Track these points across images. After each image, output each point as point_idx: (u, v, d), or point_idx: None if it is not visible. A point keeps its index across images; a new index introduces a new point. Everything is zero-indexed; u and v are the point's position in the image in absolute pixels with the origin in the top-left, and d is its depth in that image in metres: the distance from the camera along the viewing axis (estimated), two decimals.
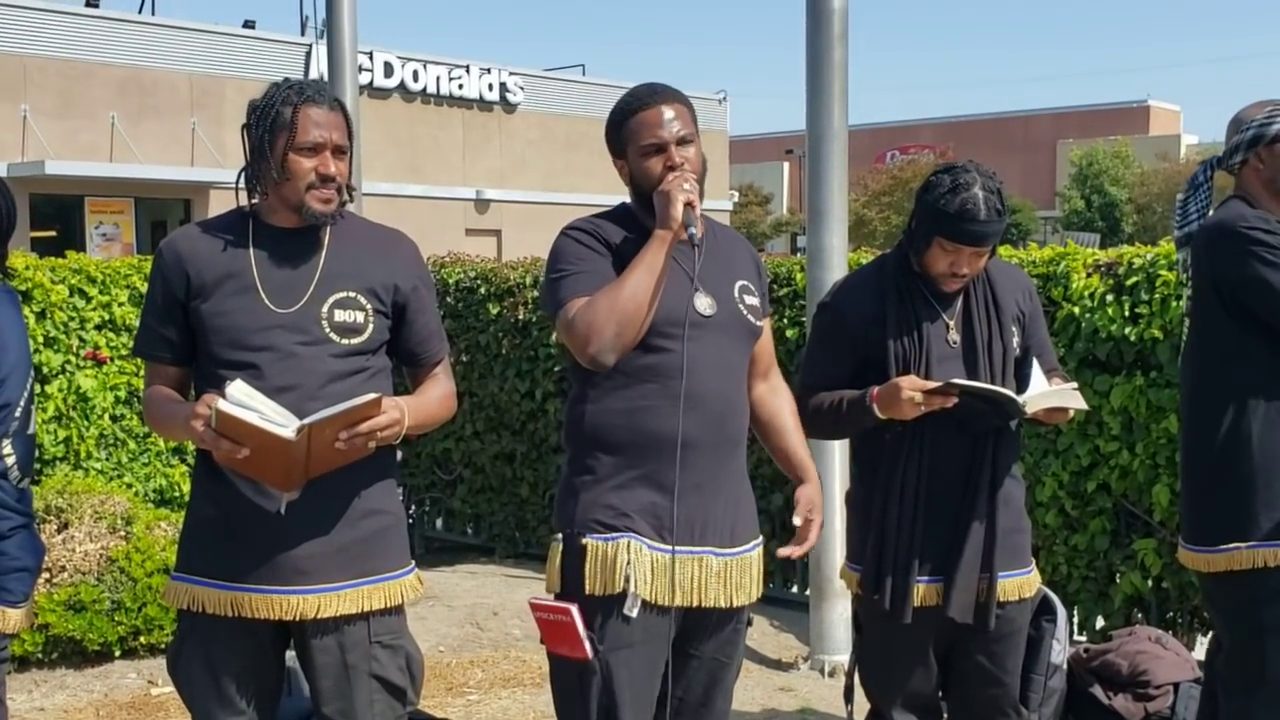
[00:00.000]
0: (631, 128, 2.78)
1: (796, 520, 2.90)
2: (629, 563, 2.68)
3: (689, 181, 2.72)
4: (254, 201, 2.77)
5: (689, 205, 2.69)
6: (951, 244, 2.98)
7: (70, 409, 6.91)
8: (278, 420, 2.51)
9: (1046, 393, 3.02)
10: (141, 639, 5.22)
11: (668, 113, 2.77)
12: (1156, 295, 4.84)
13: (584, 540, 2.72)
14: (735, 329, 2.83)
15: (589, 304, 2.68)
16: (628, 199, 2.90)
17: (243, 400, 2.51)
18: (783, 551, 2.87)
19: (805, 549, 2.92)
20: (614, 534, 2.71)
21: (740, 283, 2.87)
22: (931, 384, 2.90)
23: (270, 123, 2.68)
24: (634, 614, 2.68)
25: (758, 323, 2.89)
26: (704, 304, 2.76)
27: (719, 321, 2.78)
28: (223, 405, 2.47)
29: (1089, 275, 5.06)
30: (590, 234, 2.81)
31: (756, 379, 2.96)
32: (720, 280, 2.82)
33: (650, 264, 2.68)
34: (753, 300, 2.88)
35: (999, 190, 2.99)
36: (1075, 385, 3.17)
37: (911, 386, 2.90)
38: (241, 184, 2.76)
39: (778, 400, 3.03)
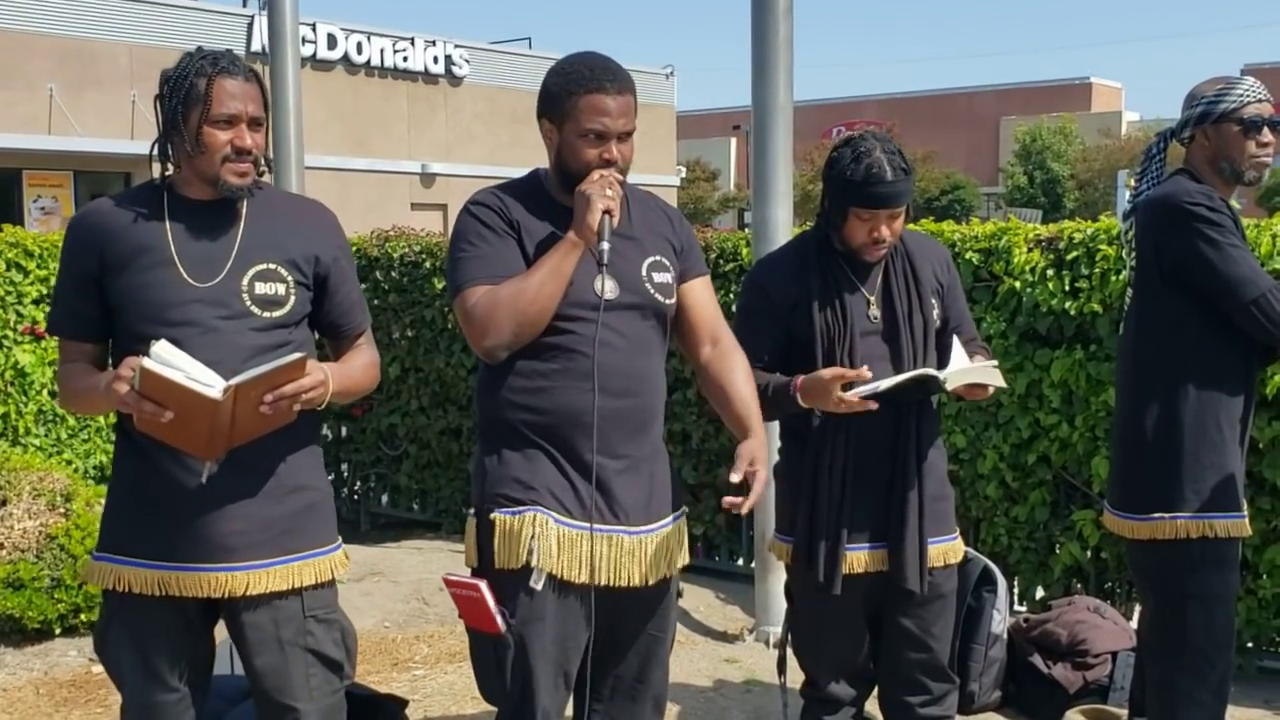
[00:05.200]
0: (579, 105, 2.71)
1: (734, 477, 2.65)
2: (534, 536, 2.68)
3: (612, 187, 2.67)
4: (168, 174, 2.71)
5: (607, 213, 2.65)
6: (867, 211, 3.01)
7: (8, 385, 6.82)
8: (204, 380, 2.46)
9: (966, 369, 3.06)
10: (82, 616, 5.16)
11: (620, 103, 2.70)
12: (1096, 270, 4.90)
13: (492, 515, 2.72)
14: (641, 309, 2.78)
15: (490, 297, 2.66)
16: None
17: (168, 359, 2.45)
18: (728, 501, 2.63)
19: (752, 501, 2.65)
20: (520, 508, 2.70)
21: (651, 259, 2.82)
22: (852, 372, 2.89)
23: (184, 94, 2.63)
24: (539, 587, 2.68)
25: (668, 300, 2.84)
26: (606, 287, 2.72)
27: (623, 303, 2.75)
28: (148, 363, 2.41)
29: (1030, 250, 5.11)
30: (494, 210, 2.76)
31: (702, 345, 2.91)
32: (629, 262, 2.78)
33: (556, 268, 2.66)
34: (663, 277, 2.83)
35: (899, 151, 3.04)
36: (995, 362, 3.22)
37: (833, 377, 2.88)
38: (155, 156, 2.70)
39: (727, 362, 2.87)
